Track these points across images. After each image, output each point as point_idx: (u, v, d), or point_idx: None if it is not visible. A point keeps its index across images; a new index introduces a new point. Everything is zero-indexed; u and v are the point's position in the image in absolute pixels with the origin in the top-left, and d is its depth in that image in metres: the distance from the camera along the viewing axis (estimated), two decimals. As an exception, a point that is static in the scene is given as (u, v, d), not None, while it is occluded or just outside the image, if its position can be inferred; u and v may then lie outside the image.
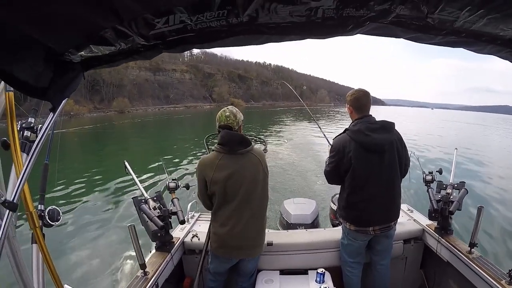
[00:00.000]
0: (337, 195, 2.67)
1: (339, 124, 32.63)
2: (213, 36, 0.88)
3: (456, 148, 3.17)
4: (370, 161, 2.08)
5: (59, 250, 5.15)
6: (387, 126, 2.14)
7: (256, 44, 0.96)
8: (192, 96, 75.52)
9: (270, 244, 2.45)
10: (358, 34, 0.93)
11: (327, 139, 3.17)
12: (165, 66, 73.78)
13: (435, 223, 2.51)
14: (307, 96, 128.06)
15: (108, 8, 0.69)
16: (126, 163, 2.67)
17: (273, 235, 2.65)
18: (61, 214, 1.31)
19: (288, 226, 3.56)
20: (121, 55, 0.99)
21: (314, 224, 3.58)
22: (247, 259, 2.15)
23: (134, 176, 2.59)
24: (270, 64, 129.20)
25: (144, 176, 9.00)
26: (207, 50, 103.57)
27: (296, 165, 11.58)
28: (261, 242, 2.16)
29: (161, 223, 2.15)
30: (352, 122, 2.20)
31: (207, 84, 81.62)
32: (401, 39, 0.98)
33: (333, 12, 0.81)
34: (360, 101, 2.18)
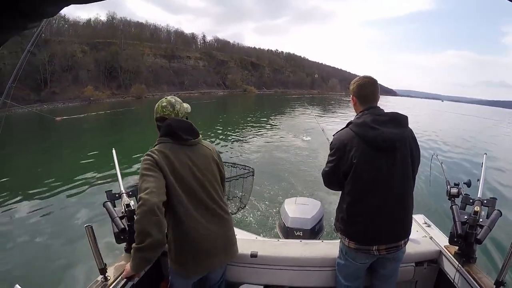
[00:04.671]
0: None
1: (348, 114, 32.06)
2: None
3: (485, 153, 2.58)
4: (376, 162, 1.73)
5: (15, 245, 5.14)
6: (399, 119, 1.79)
7: None
8: (206, 83, 76.30)
9: (254, 255, 2.21)
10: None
11: (326, 137, 2.77)
12: (179, 54, 74.75)
13: (455, 246, 2.14)
14: (319, 84, 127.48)
15: None
16: (114, 152, 2.51)
17: (260, 244, 2.38)
18: None
19: (285, 230, 3.30)
20: None
21: (314, 230, 3.27)
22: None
23: (117, 167, 2.39)
24: (282, 52, 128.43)
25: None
26: (220, 37, 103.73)
27: (310, 160, 10.91)
28: (231, 245, 1.90)
29: (121, 226, 1.90)
30: (357, 115, 1.88)
31: (220, 71, 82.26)
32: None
33: None
34: (365, 89, 1.87)
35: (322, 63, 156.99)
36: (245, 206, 3.26)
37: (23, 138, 17.77)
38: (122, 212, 1.98)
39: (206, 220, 1.74)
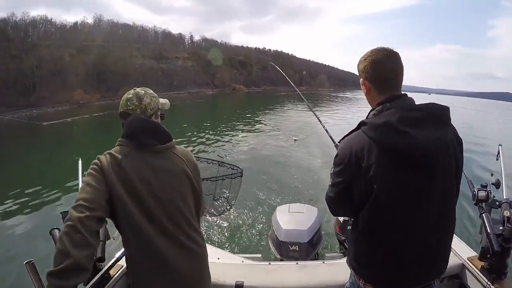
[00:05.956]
0: None
1: (337, 111, 31.32)
2: None
3: (500, 144, 2.19)
4: (407, 183, 1.21)
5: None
6: (439, 115, 1.24)
7: None
8: (195, 82, 76.65)
9: (239, 286, 1.91)
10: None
11: (330, 136, 2.29)
12: (167, 54, 75.11)
13: (480, 256, 1.85)
14: (307, 81, 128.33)
15: None
16: (80, 163, 2.18)
17: (247, 271, 2.08)
18: None
19: (278, 244, 2.99)
20: None
21: (312, 242, 2.95)
22: None
23: (81, 181, 1.92)
24: (269, 49, 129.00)
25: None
26: (207, 36, 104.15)
27: (301, 161, 10.13)
28: (202, 281, 1.54)
29: None
30: (373, 110, 1.31)
31: (209, 71, 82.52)
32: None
33: None
34: (383, 67, 1.27)
35: (310, 60, 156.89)
36: (230, 208, 3.00)
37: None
38: None
39: (168, 250, 1.37)
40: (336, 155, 1.32)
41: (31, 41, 53.14)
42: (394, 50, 1.29)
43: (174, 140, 1.50)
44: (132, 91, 1.55)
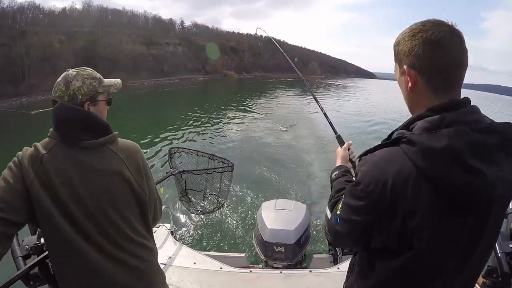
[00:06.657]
0: None
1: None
2: None
3: None
4: (460, 235, 0.84)
5: None
6: None
7: None
8: (186, 68, 76.36)
9: None
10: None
11: (330, 123, 1.92)
12: (158, 40, 74.63)
13: (484, 275, 1.58)
14: (299, 68, 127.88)
15: None
16: None
17: (225, 279, 1.93)
18: None
19: (262, 244, 2.81)
20: None
21: (299, 242, 2.78)
22: None
23: None
24: (261, 35, 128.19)
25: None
26: (198, 22, 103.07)
27: (291, 152, 9.86)
28: None
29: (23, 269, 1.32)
30: (420, 119, 0.83)
31: (200, 56, 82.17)
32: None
33: None
34: (446, 52, 0.83)
35: (301, 47, 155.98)
36: (222, 206, 2.90)
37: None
38: (27, 248, 1.39)
39: (92, 258, 1.17)
40: (357, 182, 0.88)
41: (19, 28, 52.44)
42: (455, 27, 0.86)
43: (114, 133, 1.26)
44: (64, 73, 1.30)
